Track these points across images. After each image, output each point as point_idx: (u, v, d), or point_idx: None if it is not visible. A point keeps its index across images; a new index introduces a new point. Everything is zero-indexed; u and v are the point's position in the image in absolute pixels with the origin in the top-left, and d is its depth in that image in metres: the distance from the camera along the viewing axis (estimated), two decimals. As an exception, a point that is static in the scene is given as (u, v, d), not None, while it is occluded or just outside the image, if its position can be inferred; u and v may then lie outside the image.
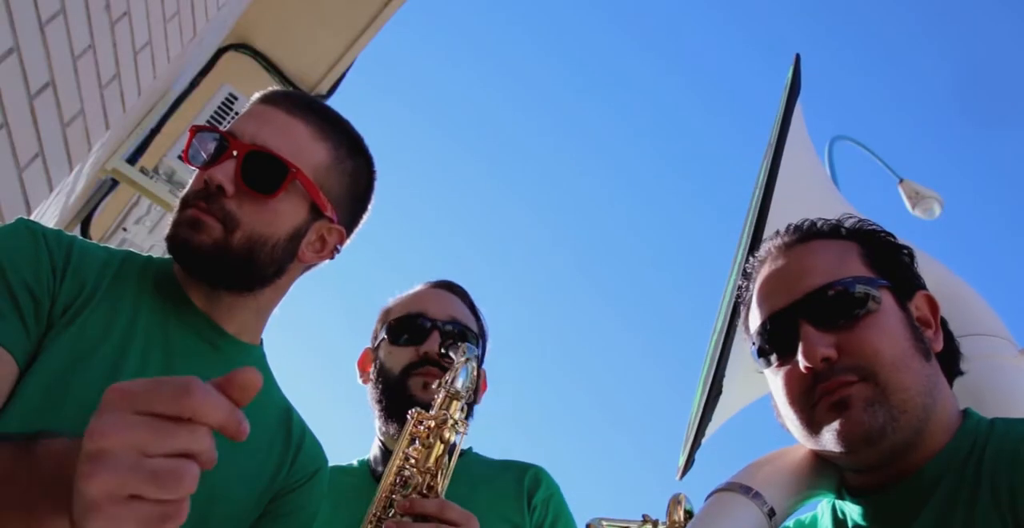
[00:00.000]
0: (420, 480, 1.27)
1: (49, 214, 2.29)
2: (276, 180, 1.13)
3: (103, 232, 3.84)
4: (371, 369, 1.68)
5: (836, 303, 1.06)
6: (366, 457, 1.68)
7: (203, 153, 1.15)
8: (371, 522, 1.26)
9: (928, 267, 1.21)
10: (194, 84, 3.44)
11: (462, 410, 1.32)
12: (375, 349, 1.70)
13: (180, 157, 3.08)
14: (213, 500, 1.08)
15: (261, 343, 1.25)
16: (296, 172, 1.14)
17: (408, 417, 1.31)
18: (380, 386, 1.62)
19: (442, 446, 1.28)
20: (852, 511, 1.08)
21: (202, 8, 2.55)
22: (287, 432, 1.21)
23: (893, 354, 1.02)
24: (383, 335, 1.68)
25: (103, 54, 1.96)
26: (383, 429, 1.62)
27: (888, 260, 1.13)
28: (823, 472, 1.12)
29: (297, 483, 1.20)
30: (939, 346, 1.09)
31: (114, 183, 3.10)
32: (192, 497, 1.05)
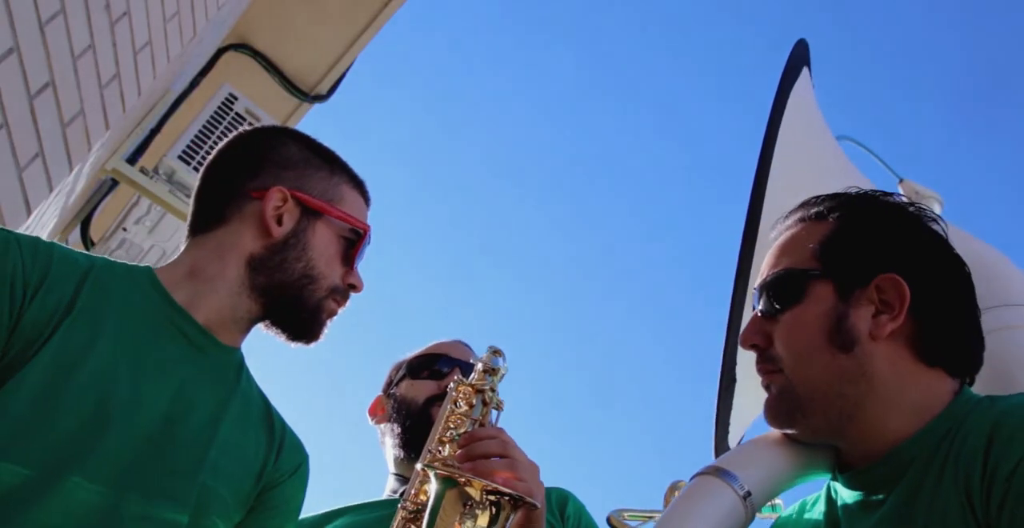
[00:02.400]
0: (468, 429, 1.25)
1: (49, 214, 2.29)
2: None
3: (103, 232, 3.84)
4: (386, 410, 1.72)
5: (769, 294, 1.13)
6: (380, 497, 1.66)
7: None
8: (426, 459, 1.22)
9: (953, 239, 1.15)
10: (194, 84, 3.44)
11: (496, 390, 1.31)
12: (389, 393, 1.74)
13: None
14: (205, 498, 1.10)
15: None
16: None
17: (451, 384, 1.32)
18: (401, 414, 1.66)
19: (484, 407, 1.27)
20: (840, 490, 1.10)
21: (202, 8, 2.55)
22: (269, 427, 1.25)
23: (797, 349, 1.07)
24: (403, 372, 1.74)
25: (103, 54, 1.96)
26: (399, 458, 1.64)
27: (846, 245, 1.09)
28: (815, 453, 1.11)
29: (282, 477, 1.24)
30: (885, 332, 1.04)
31: (114, 183, 3.10)
32: (185, 497, 1.07)
